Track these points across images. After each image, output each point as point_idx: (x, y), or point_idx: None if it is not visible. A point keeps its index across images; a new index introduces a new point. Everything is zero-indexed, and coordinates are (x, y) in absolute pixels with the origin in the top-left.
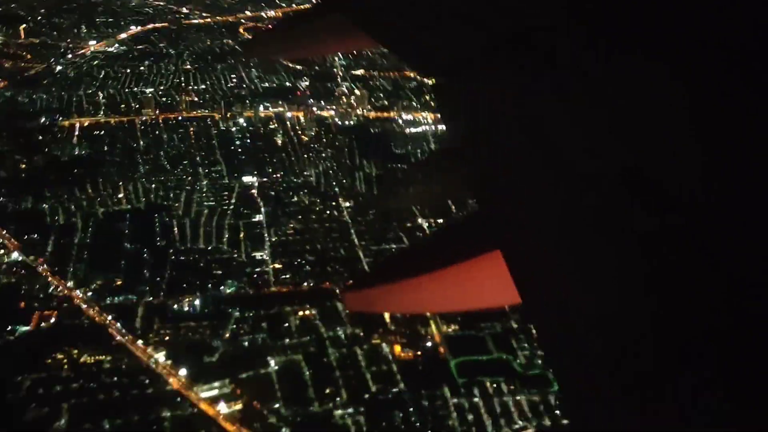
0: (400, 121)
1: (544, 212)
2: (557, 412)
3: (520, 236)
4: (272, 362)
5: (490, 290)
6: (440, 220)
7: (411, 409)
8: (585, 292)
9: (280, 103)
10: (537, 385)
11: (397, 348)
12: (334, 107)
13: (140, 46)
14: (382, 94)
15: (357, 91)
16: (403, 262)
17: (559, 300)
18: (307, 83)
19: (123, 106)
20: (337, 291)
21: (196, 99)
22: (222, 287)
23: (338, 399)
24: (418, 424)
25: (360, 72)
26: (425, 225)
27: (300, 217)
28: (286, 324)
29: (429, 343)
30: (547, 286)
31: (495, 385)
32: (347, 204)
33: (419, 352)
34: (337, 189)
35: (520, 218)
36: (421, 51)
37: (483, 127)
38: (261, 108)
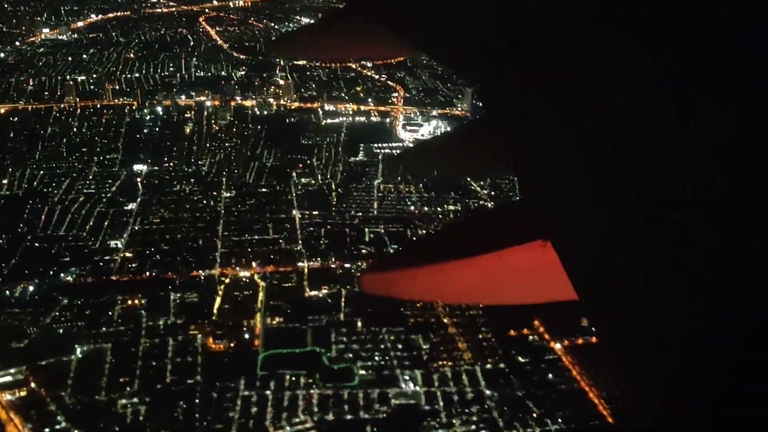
0: (320, 113)
1: (591, 207)
2: (345, 407)
3: (573, 229)
4: (78, 350)
5: (515, 285)
6: (314, 212)
7: (196, 401)
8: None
9: (206, 92)
10: (337, 379)
11: (210, 340)
12: (257, 97)
13: (92, 35)
14: (314, 84)
15: (282, 81)
16: (427, 247)
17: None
18: (243, 73)
19: (47, 93)
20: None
21: (119, 87)
22: (62, 274)
23: (128, 389)
24: (197, 416)
25: (302, 62)
26: (297, 216)
27: (173, 206)
28: (110, 312)
29: (247, 336)
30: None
31: (293, 379)
32: (228, 195)
33: (232, 344)
34: (224, 179)
35: (572, 213)
36: (463, 56)
37: (528, 127)
38: (183, 97)
